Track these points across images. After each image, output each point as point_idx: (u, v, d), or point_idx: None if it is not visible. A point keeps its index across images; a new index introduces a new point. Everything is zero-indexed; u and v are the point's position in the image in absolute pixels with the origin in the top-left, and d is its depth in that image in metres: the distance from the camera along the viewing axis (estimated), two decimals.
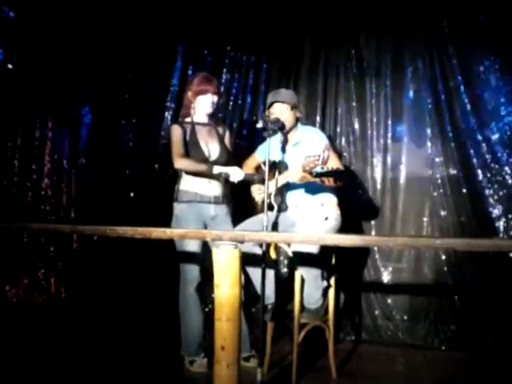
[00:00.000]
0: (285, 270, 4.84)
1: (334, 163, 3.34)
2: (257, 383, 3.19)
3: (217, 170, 3.65)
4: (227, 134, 3.99)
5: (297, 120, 3.76)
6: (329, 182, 3.38)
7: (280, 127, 3.55)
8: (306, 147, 3.52)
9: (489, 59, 4.43)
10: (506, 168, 4.34)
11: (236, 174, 3.64)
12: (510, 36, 4.34)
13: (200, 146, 3.76)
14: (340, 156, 4.74)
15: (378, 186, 4.78)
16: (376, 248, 4.66)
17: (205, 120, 3.89)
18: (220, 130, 3.96)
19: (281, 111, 3.67)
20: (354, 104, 4.88)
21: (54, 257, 5.10)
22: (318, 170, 3.20)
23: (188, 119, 3.88)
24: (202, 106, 3.83)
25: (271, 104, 3.72)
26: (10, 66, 4.82)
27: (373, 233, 4.75)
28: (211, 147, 3.81)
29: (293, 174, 3.47)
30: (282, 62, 5.13)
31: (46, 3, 4.92)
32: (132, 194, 5.24)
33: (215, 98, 3.83)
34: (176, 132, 3.76)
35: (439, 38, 4.59)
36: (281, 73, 5.13)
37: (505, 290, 4.22)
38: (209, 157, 3.77)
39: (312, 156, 3.20)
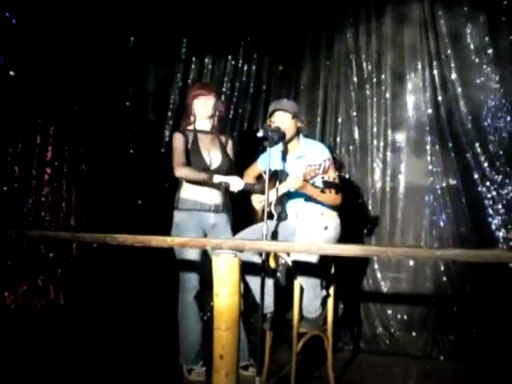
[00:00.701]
0: (284, 278, 4.84)
1: (332, 176, 3.35)
2: None
3: (217, 179, 3.66)
4: (230, 143, 4.00)
5: (298, 130, 3.76)
6: (330, 192, 3.40)
7: (280, 137, 3.56)
8: (309, 161, 3.50)
9: (488, 70, 4.44)
10: (506, 179, 4.34)
11: (236, 184, 3.65)
12: (509, 47, 4.36)
13: (201, 154, 3.78)
14: (340, 166, 4.77)
15: (378, 196, 4.78)
16: (375, 258, 4.65)
17: (207, 128, 3.91)
18: (223, 138, 3.98)
19: (282, 120, 3.67)
20: (354, 114, 4.90)
21: (54, 263, 5.09)
22: (318, 180, 3.22)
23: (190, 127, 3.90)
24: (198, 109, 3.87)
25: (273, 112, 3.73)
26: (11, 72, 4.83)
27: (372, 242, 4.75)
28: (213, 156, 3.83)
29: (293, 182, 3.45)
30: (283, 72, 5.16)
31: (48, 10, 4.94)
32: (132, 202, 5.24)
33: (209, 101, 3.86)
34: (178, 140, 3.78)
35: (439, 49, 4.61)
36: (281, 82, 5.16)
37: (504, 300, 4.21)
38: (210, 165, 3.78)
39: (313, 165, 3.22)
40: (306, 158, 3.63)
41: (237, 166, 4.02)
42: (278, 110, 3.70)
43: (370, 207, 4.79)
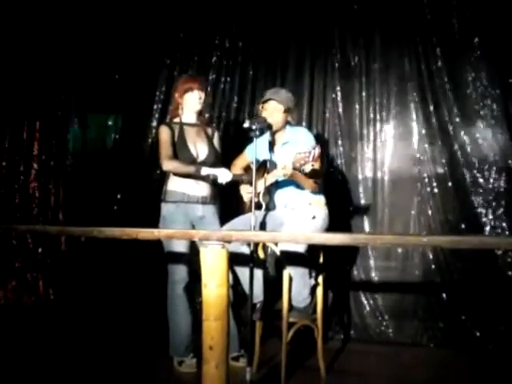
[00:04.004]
0: (273, 268, 4.84)
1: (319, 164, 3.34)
2: (246, 383, 3.19)
3: (205, 171, 3.65)
4: (216, 135, 3.99)
5: (286, 123, 3.75)
6: (314, 181, 3.40)
7: (266, 127, 3.54)
8: (293, 147, 3.49)
9: (475, 60, 4.45)
10: (492, 166, 4.37)
11: (224, 176, 3.64)
12: (495, 37, 4.38)
13: (188, 147, 3.77)
14: (328, 156, 4.77)
15: (366, 185, 4.77)
16: (364, 246, 4.66)
17: (193, 120, 3.89)
18: (209, 130, 3.96)
19: (273, 110, 3.64)
20: (341, 104, 4.89)
21: (42, 258, 5.08)
22: (308, 167, 3.20)
23: (176, 119, 3.88)
24: (190, 103, 3.83)
25: (267, 100, 3.71)
26: None
27: (361, 231, 4.75)
28: (199, 148, 3.81)
29: (281, 170, 3.41)
30: (269, 63, 5.13)
31: (34, 4, 4.91)
32: (119, 195, 5.22)
33: (202, 95, 3.84)
34: (164, 133, 3.76)
35: (426, 40, 4.60)
36: (267, 73, 5.13)
37: (492, 286, 4.25)
38: (196, 157, 3.77)
39: (303, 153, 3.18)
40: (290, 144, 3.62)
41: (225, 156, 4.02)
42: (273, 100, 3.68)
43: (358, 196, 4.78)
